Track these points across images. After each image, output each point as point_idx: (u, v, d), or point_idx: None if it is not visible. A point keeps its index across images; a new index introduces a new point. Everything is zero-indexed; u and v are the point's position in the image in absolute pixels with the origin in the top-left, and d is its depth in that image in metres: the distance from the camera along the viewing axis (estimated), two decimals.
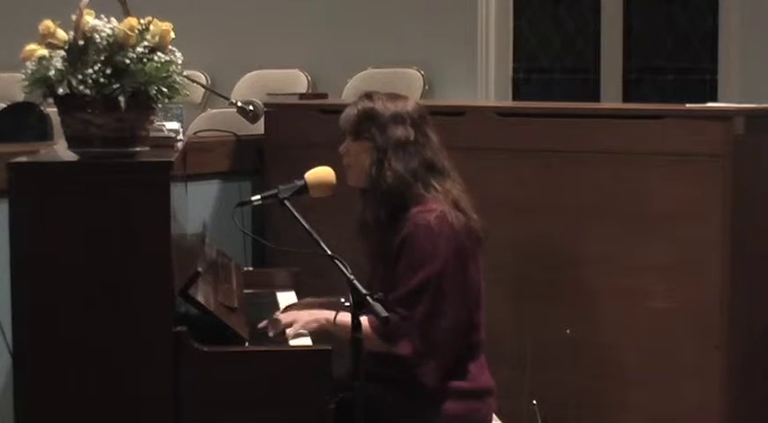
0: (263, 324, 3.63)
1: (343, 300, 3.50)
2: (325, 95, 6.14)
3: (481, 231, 3.63)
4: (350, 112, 3.68)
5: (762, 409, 4.44)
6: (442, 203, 3.58)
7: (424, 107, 3.74)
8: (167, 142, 3.71)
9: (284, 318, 3.63)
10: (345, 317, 3.38)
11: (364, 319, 3.38)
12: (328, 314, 3.59)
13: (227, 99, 4.83)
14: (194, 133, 5.26)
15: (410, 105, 3.68)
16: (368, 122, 3.64)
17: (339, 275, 3.31)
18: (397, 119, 3.63)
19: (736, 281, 4.26)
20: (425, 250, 3.51)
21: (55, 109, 3.50)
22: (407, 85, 6.97)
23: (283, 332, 3.58)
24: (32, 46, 3.41)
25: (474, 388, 3.62)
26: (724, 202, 4.23)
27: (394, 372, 3.54)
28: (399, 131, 3.61)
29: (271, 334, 3.58)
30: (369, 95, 3.71)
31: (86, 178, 3.28)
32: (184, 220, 3.90)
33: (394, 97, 3.70)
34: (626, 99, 6.99)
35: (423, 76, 7.09)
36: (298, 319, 3.61)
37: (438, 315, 3.52)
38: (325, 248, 3.36)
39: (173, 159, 3.34)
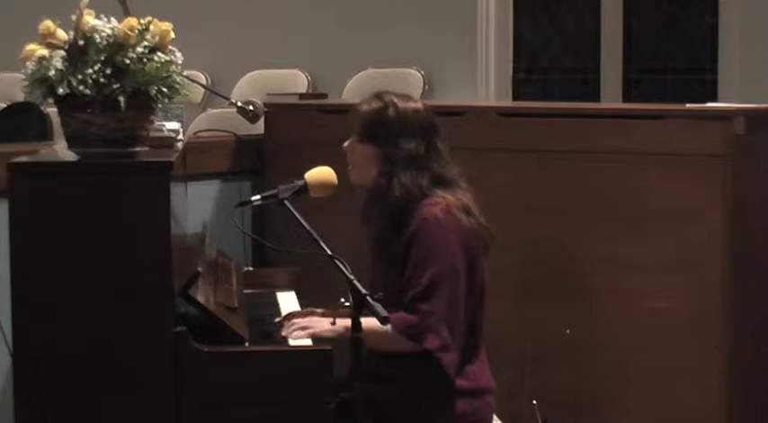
0: (285, 332, 3.57)
1: (342, 300, 3.50)
2: (325, 95, 6.14)
3: (489, 237, 3.63)
4: (361, 112, 3.64)
5: (762, 410, 4.44)
6: (448, 199, 3.57)
7: (433, 112, 3.70)
8: (167, 142, 3.71)
9: (301, 322, 3.59)
10: (368, 323, 3.30)
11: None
12: (346, 323, 3.48)
13: (228, 99, 4.82)
14: (194, 133, 5.26)
15: (421, 113, 3.64)
16: (379, 129, 3.61)
17: (339, 275, 3.31)
18: (409, 131, 3.59)
19: (736, 281, 4.26)
20: (435, 242, 3.51)
21: (55, 109, 3.49)
22: (407, 85, 6.95)
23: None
24: (32, 46, 3.41)
25: (474, 387, 3.62)
26: (724, 202, 4.23)
27: (395, 371, 3.54)
28: (410, 145, 3.58)
29: (284, 333, 3.56)
30: (380, 97, 3.66)
31: (86, 178, 3.28)
32: (184, 220, 3.90)
33: (405, 100, 3.65)
34: (626, 99, 6.99)
35: (423, 76, 7.08)
36: (315, 325, 3.57)
37: (454, 305, 3.52)
38: (325, 248, 3.36)
39: (173, 159, 3.34)
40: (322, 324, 3.58)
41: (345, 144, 3.67)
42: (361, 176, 3.66)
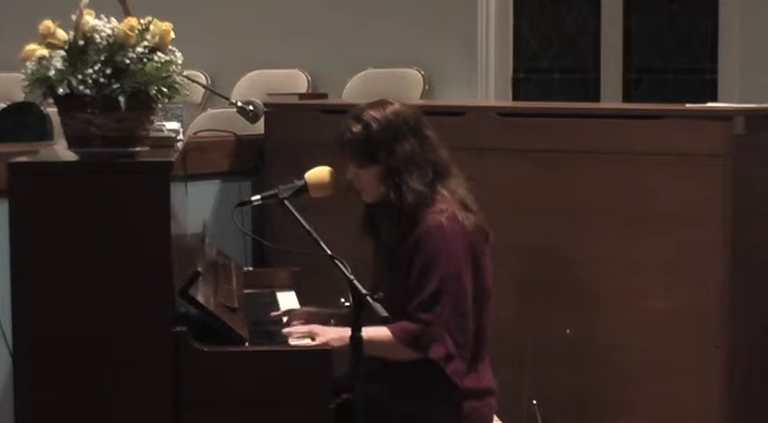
0: (286, 330, 3.58)
1: (342, 300, 3.50)
2: (325, 95, 6.14)
3: (488, 229, 3.63)
4: (347, 140, 3.59)
5: (762, 409, 4.44)
6: (451, 203, 3.57)
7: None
8: (167, 142, 3.71)
9: (306, 330, 3.56)
10: (370, 333, 3.31)
11: (386, 330, 3.38)
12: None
13: (228, 99, 4.83)
14: (194, 133, 5.26)
15: (402, 112, 3.61)
16: (371, 147, 3.57)
17: (339, 275, 3.31)
18: (399, 134, 3.58)
19: (736, 281, 4.26)
20: (440, 251, 3.50)
21: (55, 109, 3.50)
22: (407, 85, 6.97)
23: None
24: (32, 46, 3.42)
25: (475, 388, 3.62)
26: (724, 202, 4.23)
27: (394, 372, 3.54)
28: (406, 147, 3.57)
29: (292, 342, 3.53)
30: (358, 118, 3.60)
31: (86, 178, 3.28)
32: (184, 220, 3.90)
33: (382, 108, 3.61)
34: (626, 99, 6.99)
35: (423, 76, 7.08)
36: (322, 334, 3.53)
37: (460, 313, 3.51)
38: (326, 248, 3.36)
39: (173, 159, 3.34)
40: (329, 333, 3.53)
41: (348, 175, 3.64)
42: (373, 196, 3.63)
